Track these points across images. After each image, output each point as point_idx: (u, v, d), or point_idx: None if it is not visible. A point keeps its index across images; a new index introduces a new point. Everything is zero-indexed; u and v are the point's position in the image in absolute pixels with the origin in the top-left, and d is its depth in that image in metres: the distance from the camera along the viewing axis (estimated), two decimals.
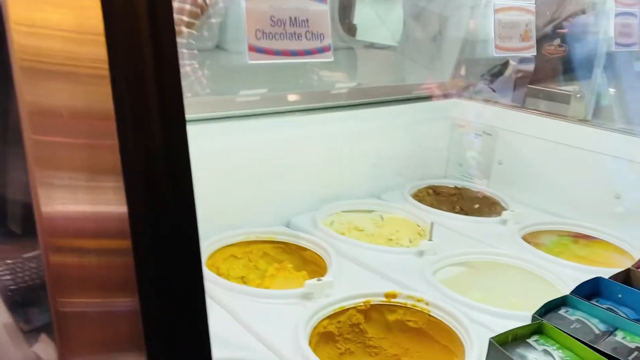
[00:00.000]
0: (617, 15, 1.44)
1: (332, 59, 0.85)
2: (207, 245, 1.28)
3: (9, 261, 0.78)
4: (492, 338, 0.71)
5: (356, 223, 1.55)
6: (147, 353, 0.42)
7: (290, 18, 0.81)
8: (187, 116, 0.43)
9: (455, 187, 1.80)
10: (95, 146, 0.41)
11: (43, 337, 0.65)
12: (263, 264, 1.35)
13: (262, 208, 1.44)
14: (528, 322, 0.87)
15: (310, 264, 1.34)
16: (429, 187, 1.79)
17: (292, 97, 1.48)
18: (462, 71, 1.93)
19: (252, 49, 0.79)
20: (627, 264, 1.45)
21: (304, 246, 1.35)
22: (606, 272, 1.29)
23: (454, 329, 1.05)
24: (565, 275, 1.25)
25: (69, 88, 0.39)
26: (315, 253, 1.32)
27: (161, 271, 0.42)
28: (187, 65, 1.37)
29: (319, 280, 1.11)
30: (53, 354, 0.60)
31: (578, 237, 1.56)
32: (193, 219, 0.44)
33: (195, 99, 1.21)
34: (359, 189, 1.68)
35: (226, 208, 1.38)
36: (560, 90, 2.21)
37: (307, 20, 0.82)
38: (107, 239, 0.42)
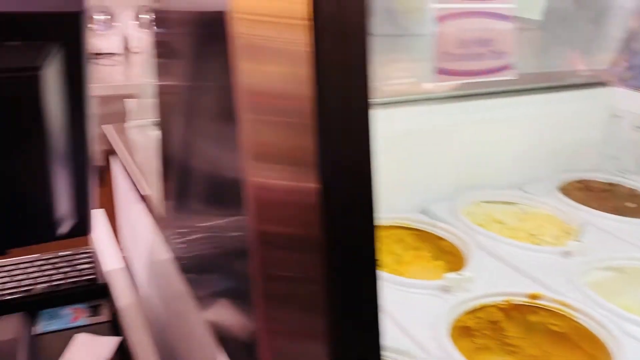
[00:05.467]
0: None
1: (514, 77, 0.87)
2: None
3: (183, 230, 0.85)
4: None
5: (496, 215, 1.49)
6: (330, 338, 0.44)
7: (475, 38, 0.82)
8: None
9: (609, 183, 1.65)
10: (295, 125, 0.43)
11: (217, 303, 0.70)
12: (399, 250, 1.34)
13: (397, 194, 1.44)
14: None
15: (447, 254, 1.32)
16: (579, 181, 1.67)
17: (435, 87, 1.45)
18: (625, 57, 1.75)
19: (441, 71, 0.83)
20: None
21: (440, 235, 1.32)
22: None
23: (601, 338, 0.98)
24: None
25: (280, 70, 0.42)
26: (452, 244, 1.29)
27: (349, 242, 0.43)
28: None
29: (459, 274, 1.08)
30: (228, 319, 0.65)
31: None
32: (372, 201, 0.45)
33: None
34: (501, 179, 1.61)
35: None
36: None
37: (490, 40, 0.83)
38: (300, 214, 0.44)
